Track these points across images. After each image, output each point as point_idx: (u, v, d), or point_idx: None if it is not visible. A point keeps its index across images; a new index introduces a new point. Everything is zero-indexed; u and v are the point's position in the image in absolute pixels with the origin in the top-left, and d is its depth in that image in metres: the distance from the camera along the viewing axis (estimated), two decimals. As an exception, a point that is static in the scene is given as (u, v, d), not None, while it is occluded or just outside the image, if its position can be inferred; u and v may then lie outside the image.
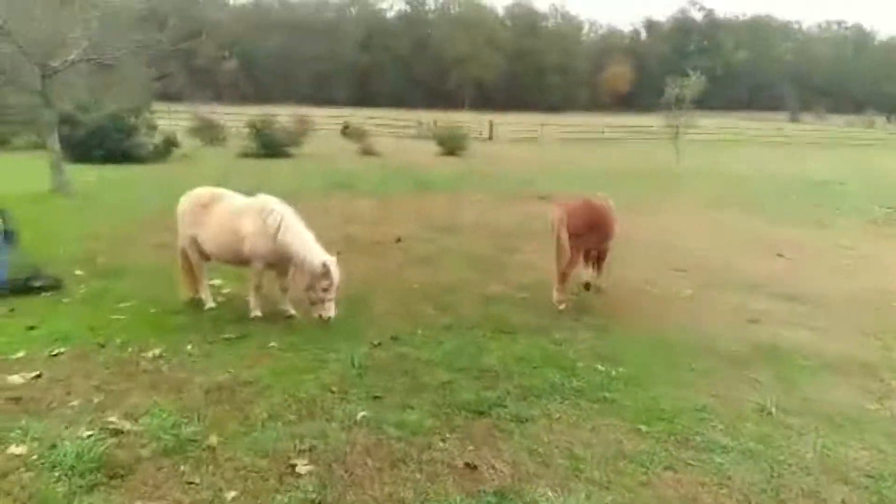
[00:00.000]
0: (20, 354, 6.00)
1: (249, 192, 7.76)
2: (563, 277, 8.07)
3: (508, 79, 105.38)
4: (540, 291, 8.64)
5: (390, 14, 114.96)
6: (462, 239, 12.15)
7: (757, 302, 8.55)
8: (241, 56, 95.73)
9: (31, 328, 6.68)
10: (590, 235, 8.30)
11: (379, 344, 6.52)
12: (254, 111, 34.20)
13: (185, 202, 7.65)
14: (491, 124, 48.14)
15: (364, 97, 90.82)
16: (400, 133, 46.33)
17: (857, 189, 22.23)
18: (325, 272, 6.72)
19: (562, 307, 7.94)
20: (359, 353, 6.24)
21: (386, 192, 18.44)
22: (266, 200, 7.26)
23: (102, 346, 6.27)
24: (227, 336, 6.62)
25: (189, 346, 6.29)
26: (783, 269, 10.48)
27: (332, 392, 5.39)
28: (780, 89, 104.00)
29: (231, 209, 7.32)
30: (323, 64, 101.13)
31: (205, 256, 7.64)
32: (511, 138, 46.85)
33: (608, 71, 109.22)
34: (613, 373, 5.95)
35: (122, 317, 7.14)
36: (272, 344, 6.46)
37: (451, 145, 34.01)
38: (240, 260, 7.34)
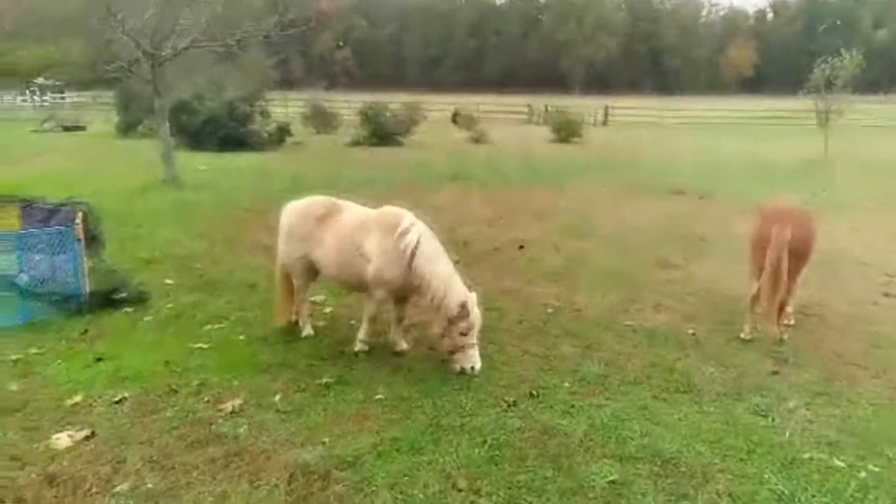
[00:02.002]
0: (77, 399, 4.91)
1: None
2: (781, 310, 6.34)
3: (622, 61, 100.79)
4: (714, 326, 6.81)
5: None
6: (595, 245, 10.38)
7: None
8: (354, 44, 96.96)
9: (99, 359, 5.61)
10: (807, 255, 6.41)
11: (513, 404, 4.96)
12: (366, 98, 33.50)
13: (295, 214, 6.23)
14: (606, 109, 45.44)
15: (474, 81, 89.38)
16: (511, 119, 44.56)
17: None
18: (464, 314, 5.23)
19: (786, 336, 6.40)
20: (488, 419, 4.72)
21: (501, 184, 16.88)
22: (399, 215, 5.75)
23: (175, 391, 5.08)
24: (324, 380, 5.28)
25: (277, 397, 5.00)
26: None
27: (459, 490, 3.89)
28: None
29: (355, 223, 5.88)
30: (433, 50, 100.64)
31: (313, 276, 6.35)
32: (627, 123, 43.93)
33: (730, 53, 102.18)
34: (863, 474, 4.10)
35: (206, 346, 5.98)
36: (378, 395, 5.06)
37: (566, 131, 32.01)
38: (362, 285, 5.91)
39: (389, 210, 5.90)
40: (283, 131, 27.41)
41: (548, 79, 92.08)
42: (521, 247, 10.16)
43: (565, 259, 9.53)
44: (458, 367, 5.37)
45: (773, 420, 4.79)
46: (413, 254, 5.44)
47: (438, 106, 44.02)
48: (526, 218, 12.51)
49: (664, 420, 4.76)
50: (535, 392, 5.16)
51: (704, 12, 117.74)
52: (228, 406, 4.83)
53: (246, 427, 4.56)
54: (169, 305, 7.12)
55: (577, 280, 8.43)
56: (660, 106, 49.49)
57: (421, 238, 5.51)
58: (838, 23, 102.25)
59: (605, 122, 44.14)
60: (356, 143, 28.00)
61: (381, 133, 28.46)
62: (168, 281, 7.94)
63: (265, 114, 28.17)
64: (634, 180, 17.66)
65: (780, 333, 6.42)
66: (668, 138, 33.24)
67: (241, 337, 6.25)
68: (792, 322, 6.76)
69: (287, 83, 57.77)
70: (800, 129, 35.06)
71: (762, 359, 5.97)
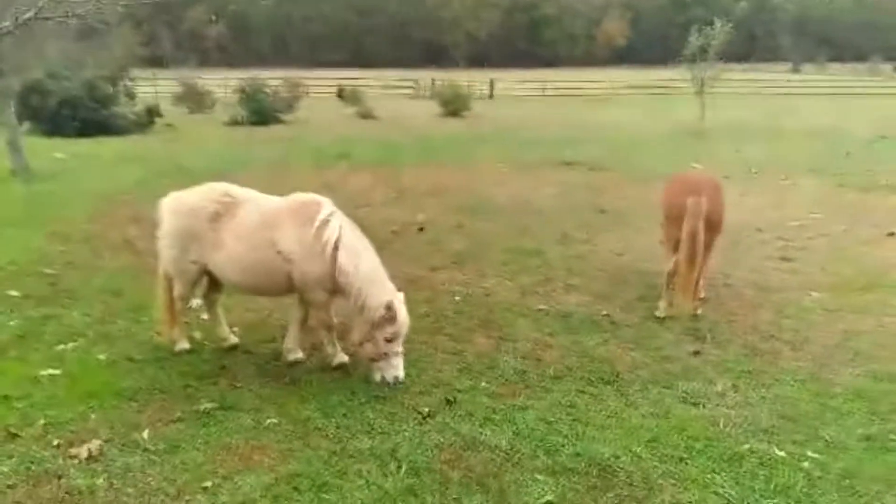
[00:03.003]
0: None
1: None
2: (697, 283, 6.17)
3: (504, 35, 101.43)
4: (627, 304, 6.52)
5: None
6: (497, 224, 9.95)
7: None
8: (229, 20, 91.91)
9: (-86, 403, 4.54)
10: (720, 226, 6.23)
11: (429, 415, 4.38)
12: (242, 76, 31.60)
13: (181, 212, 5.12)
14: (492, 82, 45.51)
15: (358, 59, 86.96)
16: (397, 94, 43.77)
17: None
18: (390, 317, 4.57)
19: (699, 311, 6.23)
20: (402, 437, 4.11)
21: (392, 162, 16.19)
22: (314, 202, 4.94)
23: (15, 435, 4.12)
24: (203, 406, 4.47)
25: (145, 432, 4.15)
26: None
27: (374, 536, 3.29)
28: (779, 40, 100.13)
29: (262, 217, 4.94)
30: (315, 26, 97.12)
31: (216, 288, 5.42)
32: (512, 96, 44.21)
33: (604, 25, 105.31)
34: (806, 464, 3.82)
35: (57, 372, 4.98)
36: (271, 419, 4.32)
37: (454, 106, 31.62)
38: (282, 289, 5.08)
39: (302, 198, 5.05)
40: (151, 113, 25.29)
41: (431, 55, 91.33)
42: (421, 228, 9.59)
43: (468, 240, 9.03)
44: (378, 376, 4.73)
45: (704, 408, 4.48)
46: (336, 247, 4.69)
47: (322, 83, 42.57)
48: (422, 197, 11.94)
49: (594, 419, 4.33)
50: (451, 398, 4.59)
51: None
52: (83, 450, 3.93)
53: (105, 477, 3.71)
54: (12, 323, 5.98)
55: (483, 262, 7.95)
56: (541, 78, 50.15)
57: (342, 229, 4.78)
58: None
59: (491, 96, 44.18)
60: (235, 122, 26.36)
61: (261, 111, 26.91)
62: (12, 293, 6.72)
63: (130, 94, 25.93)
64: (526, 154, 17.49)
65: (695, 308, 6.23)
66: (552, 110, 33.60)
67: (102, 357, 5.27)
68: (703, 295, 6.59)
69: (155, 61, 53.86)
70: (675, 98, 36.50)
71: (681, 338, 5.71)
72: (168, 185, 5.56)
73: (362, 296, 4.65)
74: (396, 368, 4.67)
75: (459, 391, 4.71)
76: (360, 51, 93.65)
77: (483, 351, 5.43)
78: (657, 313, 6.18)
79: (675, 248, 6.14)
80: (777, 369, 5.08)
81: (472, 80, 43.03)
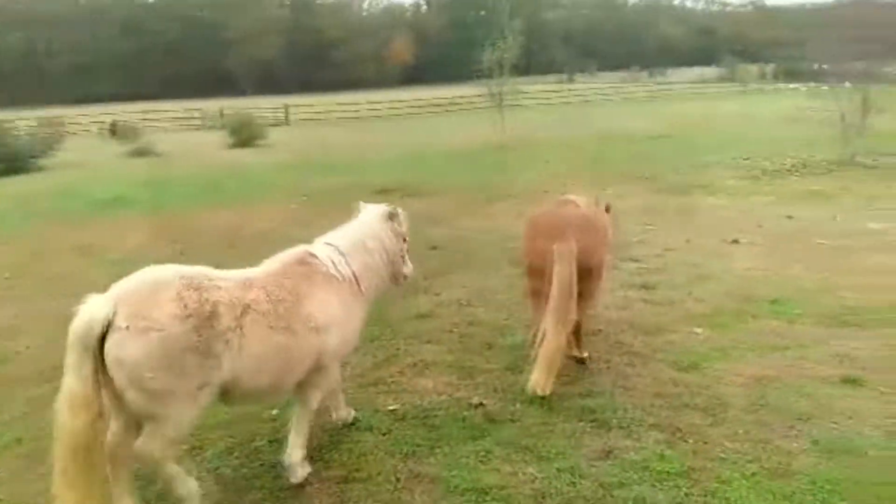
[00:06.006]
0: None
1: None
2: (577, 341, 5.13)
3: (291, 58, 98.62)
4: (498, 381, 4.97)
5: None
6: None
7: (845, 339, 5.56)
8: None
9: None
10: (599, 271, 4.95)
11: None
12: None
13: (165, 330, 3.03)
14: (286, 107, 43.17)
15: (133, 90, 78.85)
16: (182, 126, 39.82)
17: (689, 142, 20.94)
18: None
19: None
20: None
21: (175, 206, 13.63)
22: (305, 255, 4.01)
23: None
24: None
25: None
26: (771, 264, 7.80)
27: None
28: (553, 53, 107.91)
29: (284, 293, 3.58)
30: (80, 56, 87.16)
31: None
32: (307, 120, 42.13)
33: (392, 45, 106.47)
34: None
35: None
36: None
37: (246, 134, 28.89)
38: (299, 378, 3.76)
39: (294, 256, 3.95)
40: None
41: (217, 82, 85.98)
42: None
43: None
44: None
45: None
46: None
47: (93, 119, 37.85)
48: (215, 249, 9.67)
49: None
50: None
51: (366, 5, 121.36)
52: None
53: None
54: None
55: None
56: (334, 101, 48.63)
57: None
58: (483, 13, 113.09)
59: (286, 122, 41.82)
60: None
61: (10, 157, 22.46)
62: None
63: None
64: (333, 182, 15.72)
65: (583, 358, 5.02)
66: (351, 133, 32.08)
67: None
68: (585, 355, 5.27)
69: None
70: (469, 113, 36.87)
71: (580, 429, 4.23)
72: None
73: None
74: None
75: None
76: (134, 81, 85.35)
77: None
78: (538, 391, 4.67)
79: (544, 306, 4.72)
80: (721, 463, 3.80)
81: (262, 107, 40.49)
